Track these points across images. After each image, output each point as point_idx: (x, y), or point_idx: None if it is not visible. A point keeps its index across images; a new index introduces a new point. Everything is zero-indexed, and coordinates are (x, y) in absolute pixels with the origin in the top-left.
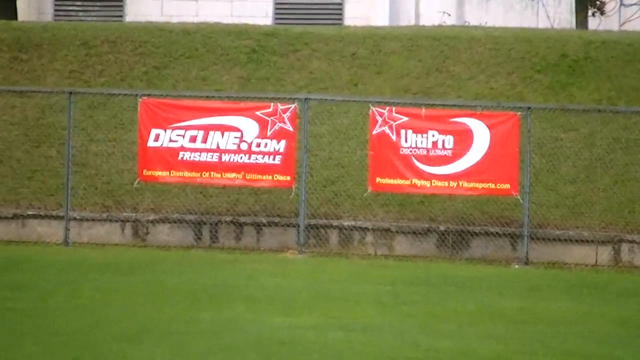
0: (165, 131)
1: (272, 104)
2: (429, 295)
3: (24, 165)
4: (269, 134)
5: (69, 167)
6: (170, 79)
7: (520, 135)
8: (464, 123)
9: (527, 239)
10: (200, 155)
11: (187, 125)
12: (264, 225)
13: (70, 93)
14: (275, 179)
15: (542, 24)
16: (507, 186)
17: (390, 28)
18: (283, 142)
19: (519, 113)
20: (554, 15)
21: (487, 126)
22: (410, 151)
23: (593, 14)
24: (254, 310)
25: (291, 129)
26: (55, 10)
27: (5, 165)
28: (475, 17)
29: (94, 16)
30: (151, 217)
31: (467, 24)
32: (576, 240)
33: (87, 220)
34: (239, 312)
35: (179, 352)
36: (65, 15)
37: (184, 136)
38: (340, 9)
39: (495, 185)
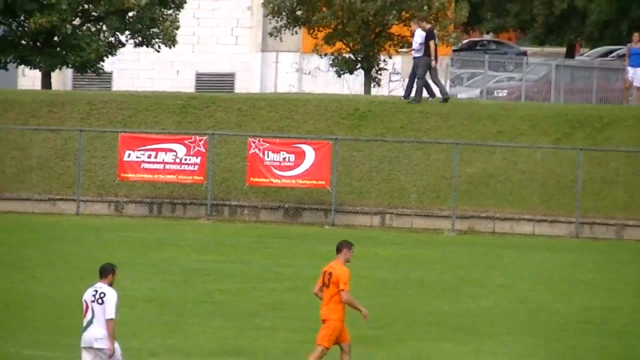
0: (134, 151)
1: (193, 137)
2: (279, 243)
3: (53, 170)
4: (191, 153)
5: (80, 172)
6: (138, 122)
7: (331, 154)
8: (300, 147)
9: (333, 212)
10: (152, 165)
11: (146, 148)
12: (187, 204)
13: (81, 131)
14: (194, 178)
15: (345, 91)
16: (323, 182)
17: (260, 94)
18: (199, 158)
19: (331, 142)
20: (352, 86)
21: (314, 149)
22: (270, 163)
23: (374, 86)
24: (182, 252)
25: (204, 150)
26: (73, 83)
27: (43, 169)
28: (308, 87)
29: (95, 87)
30: (124, 199)
31: (303, 91)
32: (360, 212)
33: (92, 201)
34: (173, 254)
35: (140, 279)
36: (78, 87)
37: (144, 154)
38: (232, 83)
39: (317, 182)
